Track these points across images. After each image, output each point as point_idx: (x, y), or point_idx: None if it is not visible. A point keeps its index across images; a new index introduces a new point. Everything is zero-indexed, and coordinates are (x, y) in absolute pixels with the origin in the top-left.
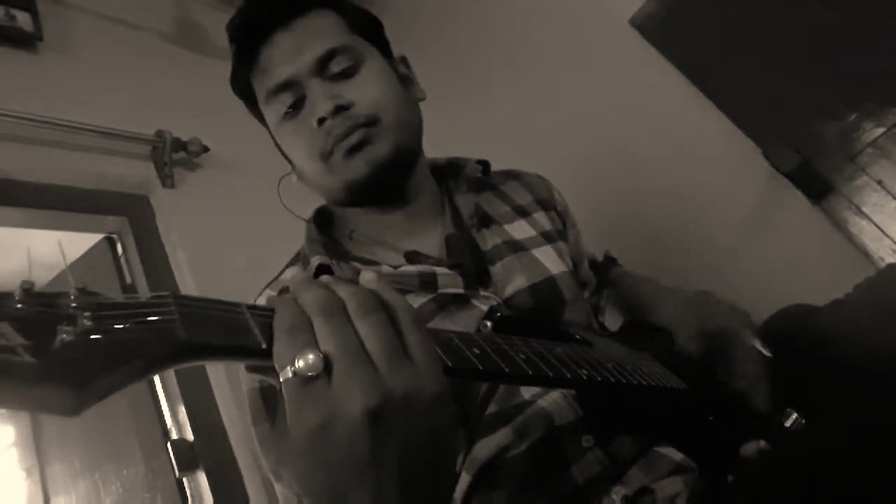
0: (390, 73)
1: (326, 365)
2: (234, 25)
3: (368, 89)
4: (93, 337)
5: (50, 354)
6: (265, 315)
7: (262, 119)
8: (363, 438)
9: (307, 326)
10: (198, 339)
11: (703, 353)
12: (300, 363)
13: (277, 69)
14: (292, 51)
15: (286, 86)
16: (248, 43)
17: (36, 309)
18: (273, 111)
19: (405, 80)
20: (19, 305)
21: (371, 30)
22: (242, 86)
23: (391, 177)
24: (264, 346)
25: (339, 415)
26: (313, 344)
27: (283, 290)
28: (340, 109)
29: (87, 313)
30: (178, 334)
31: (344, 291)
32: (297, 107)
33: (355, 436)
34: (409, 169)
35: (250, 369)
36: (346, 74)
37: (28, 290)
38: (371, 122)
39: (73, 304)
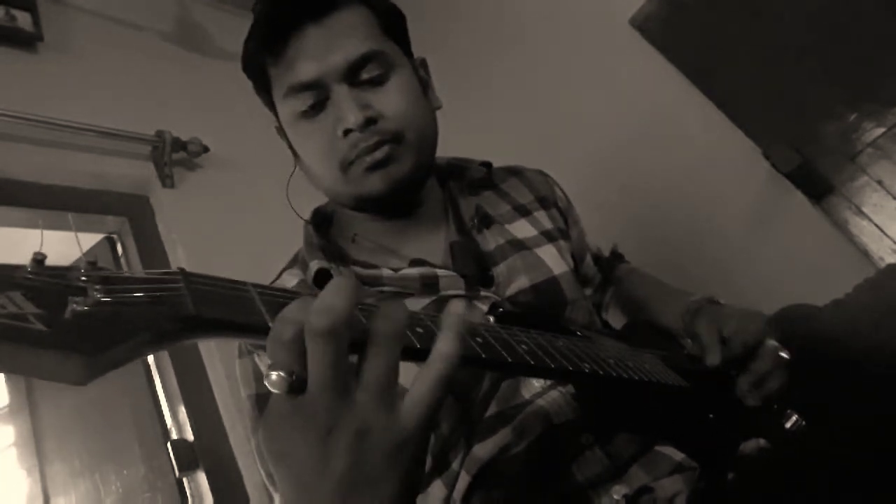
0: (416, 82)
1: (291, 388)
2: (262, 8)
3: (397, 102)
4: (103, 308)
5: (61, 324)
6: (271, 294)
7: (268, 103)
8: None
9: (292, 346)
10: (206, 314)
11: (721, 356)
12: (273, 376)
13: (304, 66)
14: (323, 49)
15: (311, 85)
16: (275, 30)
17: (47, 280)
18: (290, 107)
19: (424, 86)
20: (31, 276)
21: (400, 30)
22: (256, 69)
23: (405, 193)
24: (270, 324)
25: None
26: (286, 366)
27: None
28: (370, 123)
29: (97, 286)
30: (186, 308)
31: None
32: (317, 108)
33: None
34: (422, 183)
35: (246, 347)
36: (375, 83)
37: (40, 261)
38: (396, 138)
39: (84, 277)
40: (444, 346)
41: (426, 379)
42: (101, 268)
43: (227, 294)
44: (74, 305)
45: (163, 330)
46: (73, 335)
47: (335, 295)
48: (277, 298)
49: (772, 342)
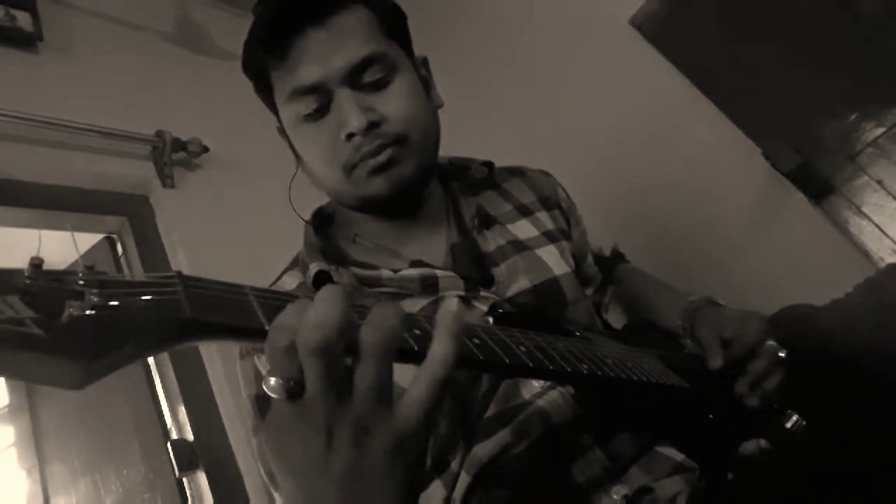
0: (418, 83)
1: (289, 394)
2: (264, 10)
3: (400, 105)
4: (99, 313)
5: (58, 328)
6: (268, 297)
7: (270, 104)
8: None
9: (289, 353)
10: (202, 318)
11: (723, 359)
12: (272, 382)
13: (306, 69)
14: (325, 52)
15: (313, 89)
16: (276, 33)
17: (45, 284)
18: (293, 110)
19: (426, 85)
20: (28, 280)
21: (401, 30)
22: (257, 71)
23: (409, 194)
24: (267, 327)
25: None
26: (284, 372)
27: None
28: (373, 126)
29: (94, 290)
30: (183, 312)
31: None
32: (321, 111)
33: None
34: (425, 183)
35: (246, 349)
36: (377, 85)
37: (38, 266)
38: (399, 141)
39: (81, 281)
40: (440, 348)
41: (423, 381)
42: (99, 272)
43: (225, 297)
44: (71, 310)
45: (159, 334)
46: (69, 340)
47: (326, 306)
48: (275, 301)
49: (771, 342)
